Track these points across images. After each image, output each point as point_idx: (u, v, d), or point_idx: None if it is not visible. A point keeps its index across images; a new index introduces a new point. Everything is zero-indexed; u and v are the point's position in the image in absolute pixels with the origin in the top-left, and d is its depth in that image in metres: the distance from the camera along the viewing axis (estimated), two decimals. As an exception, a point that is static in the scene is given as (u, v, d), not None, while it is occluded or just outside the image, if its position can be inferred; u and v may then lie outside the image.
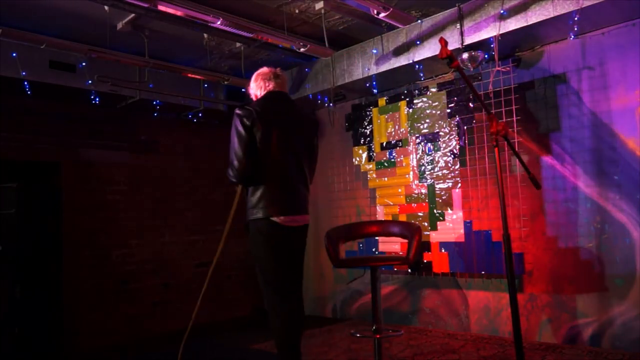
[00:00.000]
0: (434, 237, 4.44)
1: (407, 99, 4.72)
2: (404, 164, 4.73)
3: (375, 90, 4.82)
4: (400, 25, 3.88)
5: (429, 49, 3.89)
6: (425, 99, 4.58)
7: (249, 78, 4.72)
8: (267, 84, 2.78)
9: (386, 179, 4.87)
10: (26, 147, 4.33)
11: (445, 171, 4.42)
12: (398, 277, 4.76)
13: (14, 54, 3.71)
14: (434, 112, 4.52)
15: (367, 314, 4.92)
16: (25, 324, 4.27)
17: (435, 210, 4.47)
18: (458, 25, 3.72)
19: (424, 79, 4.52)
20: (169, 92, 4.58)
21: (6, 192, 4.23)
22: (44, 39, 3.64)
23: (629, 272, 3.47)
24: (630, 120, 3.50)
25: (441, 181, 4.45)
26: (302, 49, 4.00)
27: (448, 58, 2.09)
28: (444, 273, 4.36)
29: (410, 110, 4.69)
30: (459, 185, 4.32)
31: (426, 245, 4.44)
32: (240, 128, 2.55)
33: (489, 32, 3.57)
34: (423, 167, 4.58)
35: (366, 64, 4.33)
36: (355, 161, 5.13)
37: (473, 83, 4.11)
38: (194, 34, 3.99)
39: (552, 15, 3.29)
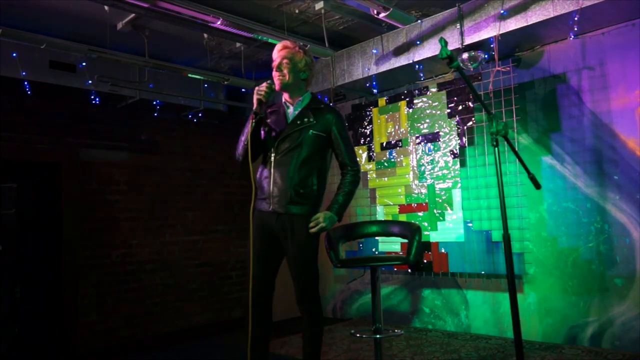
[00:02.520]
0: (434, 237, 4.44)
1: (407, 99, 4.72)
2: (404, 164, 4.73)
3: (375, 90, 4.82)
4: (400, 25, 3.89)
5: (429, 49, 3.89)
6: (425, 99, 4.59)
7: (249, 78, 4.78)
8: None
9: (386, 179, 4.87)
10: (26, 147, 4.33)
11: (445, 171, 4.42)
12: (398, 277, 4.76)
13: (14, 54, 3.71)
14: (434, 112, 4.52)
15: (367, 314, 4.92)
16: (25, 324, 4.27)
17: (435, 210, 4.47)
18: (458, 25, 3.72)
19: (424, 79, 4.52)
20: (169, 92, 4.58)
21: (6, 192, 4.23)
22: (44, 39, 3.64)
23: (629, 272, 3.47)
24: (630, 120, 3.50)
25: (441, 181, 4.45)
26: (302, 49, 4.00)
27: (448, 58, 2.09)
28: (444, 273, 4.36)
29: (410, 110, 4.69)
30: (459, 185, 4.32)
31: (426, 245, 4.44)
32: None
33: (489, 32, 3.57)
34: (423, 167, 4.58)
35: (366, 64, 4.33)
36: (355, 161, 5.12)
37: (473, 83, 4.11)
38: (194, 34, 3.99)
39: (552, 15, 3.29)
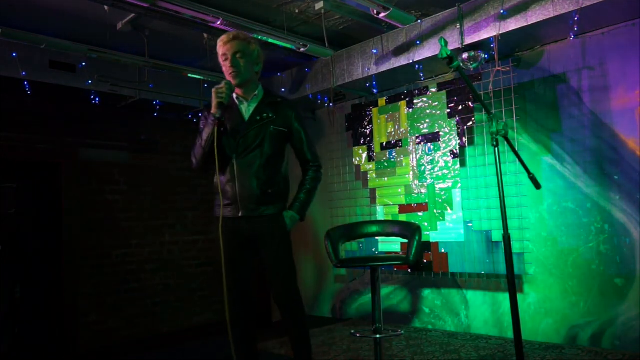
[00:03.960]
0: (434, 237, 4.44)
1: (407, 99, 4.72)
2: (404, 164, 4.73)
3: (375, 90, 4.82)
4: (400, 25, 3.89)
5: (429, 49, 3.89)
6: (425, 99, 4.58)
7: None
8: None
9: (386, 179, 4.87)
10: (26, 147, 4.33)
11: (445, 171, 4.42)
12: (398, 277, 4.76)
13: (14, 54, 3.71)
14: (434, 112, 4.52)
15: (367, 314, 4.92)
16: (25, 324, 4.27)
17: (435, 210, 4.47)
18: (458, 25, 3.72)
19: (424, 79, 4.52)
20: (169, 92, 4.58)
21: (6, 192, 4.23)
22: (44, 39, 3.64)
23: (629, 272, 3.47)
24: (630, 120, 3.50)
25: (441, 181, 4.45)
26: (302, 49, 4.00)
27: (448, 58, 2.09)
28: (444, 273, 4.36)
29: (410, 110, 4.69)
30: (459, 185, 4.32)
31: (426, 245, 4.44)
32: None
33: (489, 32, 3.57)
34: (423, 167, 4.58)
35: (366, 64, 4.33)
36: (355, 161, 5.13)
37: (473, 83, 4.11)
38: (194, 34, 3.99)
39: (552, 15, 3.29)
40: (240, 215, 2.35)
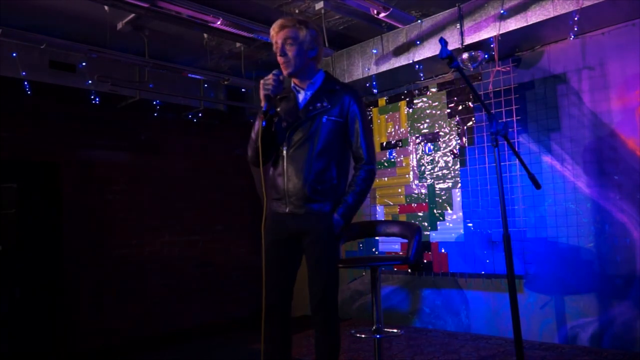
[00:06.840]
0: (434, 237, 4.44)
1: (407, 99, 4.72)
2: (404, 164, 4.73)
3: (375, 90, 4.82)
4: (400, 25, 3.89)
5: (429, 49, 3.89)
6: (425, 99, 4.59)
7: (249, 78, 4.77)
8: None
9: (386, 179, 4.87)
10: (26, 147, 4.33)
11: (445, 171, 4.42)
12: (398, 277, 4.76)
13: (14, 54, 3.71)
14: (434, 112, 4.52)
15: (367, 314, 4.92)
16: (25, 324, 4.27)
17: (435, 210, 4.47)
18: (458, 25, 3.72)
19: (424, 79, 4.52)
20: (169, 92, 4.58)
21: (6, 192, 4.23)
22: (44, 39, 3.64)
23: (629, 272, 3.47)
24: (630, 120, 3.50)
25: (441, 181, 4.45)
26: (302, 49, 4.00)
27: (448, 58, 2.09)
28: (444, 273, 4.37)
29: (410, 110, 4.69)
30: (459, 185, 4.32)
31: (426, 245, 4.44)
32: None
33: (489, 32, 3.58)
34: (423, 167, 4.58)
35: (366, 64, 4.33)
36: (355, 161, 5.12)
37: (473, 83, 4.11)
38: (194, 34, 3.99)
39: (552, 15, 3.29)
40: (287, 211, 2.22)
